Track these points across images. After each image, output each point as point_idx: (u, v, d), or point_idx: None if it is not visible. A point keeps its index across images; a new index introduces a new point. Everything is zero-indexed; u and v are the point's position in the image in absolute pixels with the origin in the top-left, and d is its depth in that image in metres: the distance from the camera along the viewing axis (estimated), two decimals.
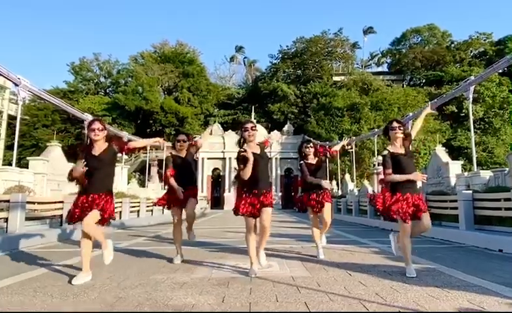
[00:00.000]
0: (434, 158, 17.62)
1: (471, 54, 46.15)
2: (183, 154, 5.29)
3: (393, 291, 3.39)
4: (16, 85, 13.34)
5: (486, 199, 8.01)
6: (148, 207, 15.48)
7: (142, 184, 29.05)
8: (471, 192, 8.77)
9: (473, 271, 4.35)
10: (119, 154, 4.53)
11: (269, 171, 4.36)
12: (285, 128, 41.33)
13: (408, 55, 47.84)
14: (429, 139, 32.59)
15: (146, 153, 33.03)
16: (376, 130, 28.06)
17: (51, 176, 15.29)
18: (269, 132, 39.10)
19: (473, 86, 14.49)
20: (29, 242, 6.80)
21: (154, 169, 36.35)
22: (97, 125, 4.10)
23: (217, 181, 39.80)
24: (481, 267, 4.84)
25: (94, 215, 3.91)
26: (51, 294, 3.33)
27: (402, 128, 4.29)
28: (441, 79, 41.75)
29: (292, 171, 40.07)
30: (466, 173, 15.00)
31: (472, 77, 14.83)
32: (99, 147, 4.11)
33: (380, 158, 5.46)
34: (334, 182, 30.98)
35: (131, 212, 13.55)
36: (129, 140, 4.52)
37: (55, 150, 16.65)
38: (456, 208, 8.58)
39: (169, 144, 5.37)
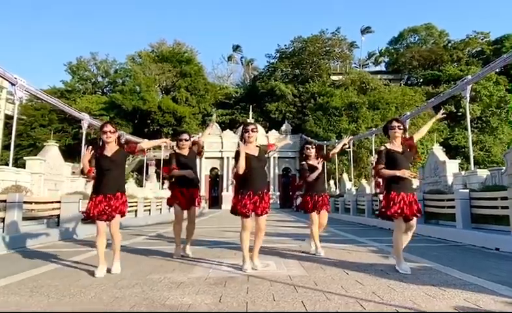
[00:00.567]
0: (431, 157, 17.68)
1: (469, 53, 46.27)
2: (186, 152, 5.34)
3: (390, 290, 3.40)
4: (13, 84, 13.31)
5: (483, 198, 8.04)
6: (145, 206, 15.45)
7: (140, 183, 29.00)
8: (468, 191, 8.82)
9: (470, 270, 4.37)
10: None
11: (266, 172, 4.46)
12: (283, 127, 41.34)
13: (405, 54, 47.91)
14: (427, 138, 32.65)
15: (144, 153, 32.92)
16: (373, 129, 28.12)
17: (48, 176, 15.25)
18: (267, 132, 39.13)
19: (470, 85, 14.55)
20: (26, 242, 6.78)
21: (152, 169, 36.27)
22: (109, 128, 4.35)
23: (215, 181, 39.80)
24: (478, 266, 4.86)
25: (118, 220, 4.36)
26: (47, 294, 3.33)
27: (401, 128, 4.41)
28: (439, 79, 41.85)
29: (290, 171, 40.08)
30: (463, 172, 15.05)
31: (469, 77, 14.90)
32: (111, 149, 4.37)
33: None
34: (332, 181, 31.05)
35: (128, 211, 13.46)
36: (137, 142, 4.68)
37: (52, 150, 16.60)
38: (453, 207, 8.61)
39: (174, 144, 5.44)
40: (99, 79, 49.73)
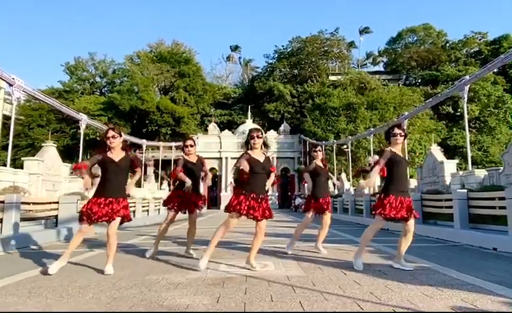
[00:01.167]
0: (429, 157, 17.71)
1: (467, 53, 46.34)
2: (192, 159, 5.39)
3: (388, 290, 3.41)
4: (10, 85, 13.27)
5: (481, 198, 8.07)
6: (143, 207, 15.44)
7: (137, 184, 28.94)
8: (466, 191, 8.84)
9: (467, 270, 4.39)
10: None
11: (266, 179, 4.57)
12: (281, 127, 41.38)
13: (403, 54, 47.94)
14: (425, 138, 32.73)
15: (142, 153, 32.94)
16: (372, 129, 28.16)
17: (46, 176, 15.23)
18: (265, 132, 39.13)
19: (468, 85, 14.57)
20: (24, 243, 6.77)
21: (150, 169, 36.26)
22: (111, 133, 4.40)
23: (213, 181, 39.78)
24: (475, 266, 4.88)
25: (117, 223, 4.37)
26: (45, 295, 3.32)
27: (402, 135, 4.52)
28: (437, 79, 41.90)
29: (288, 171, 40.10)
30: (461, 172, 15.08)
31: (467, 77, 14.91)
32: (117, 154, 4.44)
33: (376, 156, 5.71)
34: (330, 181, 31.03)
35: None
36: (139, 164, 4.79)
37: (50, 150, 16.58)
38: (451, 207, 8.63)
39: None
40: (98, 79, 49.62)
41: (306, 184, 6.27)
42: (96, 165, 4.45)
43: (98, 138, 30.30)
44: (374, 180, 4.45)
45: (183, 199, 5.28)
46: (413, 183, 18.27)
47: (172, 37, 79.90)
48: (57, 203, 8.79)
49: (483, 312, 2.80)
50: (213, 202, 37.72)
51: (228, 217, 4.38)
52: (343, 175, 29.59)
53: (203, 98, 44.26)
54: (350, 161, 28.47)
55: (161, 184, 31.38)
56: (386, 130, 4.73)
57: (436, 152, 17.47)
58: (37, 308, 2.96)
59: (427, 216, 10.06)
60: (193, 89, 43.63)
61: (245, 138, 4.59)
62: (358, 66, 55.50)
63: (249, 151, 4.46)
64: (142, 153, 32.65)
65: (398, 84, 45.96)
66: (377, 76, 45.51)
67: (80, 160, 19.21)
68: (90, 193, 4.64)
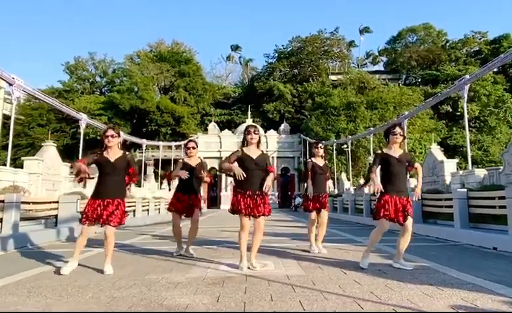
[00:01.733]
0: (429, 156, 17.70)
1: (467, 53, 46.35)
2: (193, 161, 5.38)
3: (388, 290, 3.40)
4: (10, 84, 13.25)
5: (481, 197, 8.06)
6: (144, 206, 15.43)
7: (138, 183, 28.95)
8: (466, 190, 8.82)
9: (467, 269, 4.38)
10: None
11: (264, 176, 4.47)
12: (281, 127, 41.38)
13: (403, 54, 47.95)
14: (425, 138, 32.73)
15: (142, 152, 32.93)
16: (371, 128, 28.14)
17: (46, 176, 15.22)
18: (265, 131, 39.12)
19: (468, 85, 14.55)
20: (24, 242, 6.76)
21: (150, 169, 36.26)
22: (110, 132, 4.39)
23: (213, 181, 39.73)
24: (475, 265, 4.87)
25: (114, 228, 4.36)
26: (45, 295, 3.32)
27: (402, 134, 4.56)
28: (437, 78, 41.91)
29: (288, 170, 40.10)
30: (461, 172, 15.07)
31: (467, 76, 14.89)
32: (114, 154, 4.39)
33: None
34: (330, 181, 31.04)
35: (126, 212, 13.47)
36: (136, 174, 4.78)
37: (49, 150, 16.57)
38: (451, 206, 8.62)
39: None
40: (98, 79, 49.66)
41: (305, 184, 6.23)
42: (93, 166, 4.43)
43: (98, 138, 30.28)
44: (379, 181, 4.44)
45: (183, 204, 5.34)
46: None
47: (172, 37, 79.93)
48: (57, 202, 8.78)
49: (483, 311, 2.79)
50: (214, 202, 37.73)
51: (240, 219, 4.38)
52: (343, 175, 29.60)
53: (203, 97, 44.27)
54: (350, 160, 28.46)
55: (161, 183, 31.36)
56: (386, 129, 4.78)
57: (436, 151, 17.47)
58: (37, 307, 2.96)
59: (427, 216, 10.05)
60: (193, 89, 43.64)
61: (242, 135, 4.62)
62: (358, 65, 55.50)
63: (244, 147, 4.49)
64: (142, 153, 32.63)
65: (398, 83, 45.98)
66: (377, 76, 45.55)
67: None
68: (88, 192, 4.63)
